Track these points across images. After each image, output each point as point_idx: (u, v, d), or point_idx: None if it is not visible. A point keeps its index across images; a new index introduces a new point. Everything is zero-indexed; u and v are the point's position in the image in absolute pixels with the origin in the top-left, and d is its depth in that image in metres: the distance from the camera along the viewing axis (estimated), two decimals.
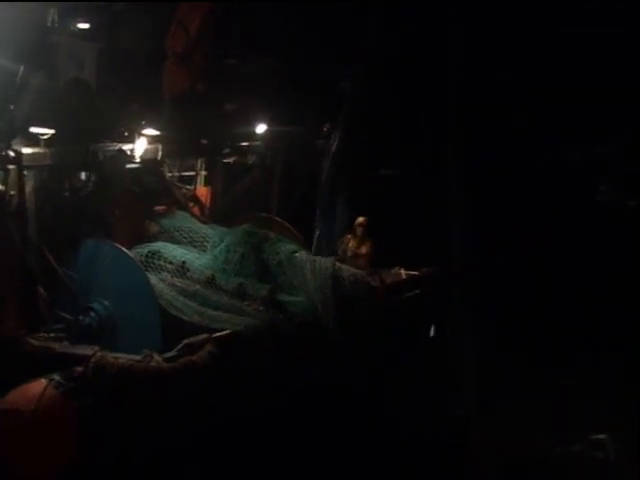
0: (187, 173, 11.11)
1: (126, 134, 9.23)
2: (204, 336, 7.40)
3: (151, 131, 9.48)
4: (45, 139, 8.11)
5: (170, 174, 10.57)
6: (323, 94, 11.86)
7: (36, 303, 7.98)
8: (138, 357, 7.05)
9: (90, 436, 6.69)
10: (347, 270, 9.11)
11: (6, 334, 7.48)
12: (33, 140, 8.08)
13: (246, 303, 8.29)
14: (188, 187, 10.99)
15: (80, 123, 8.55)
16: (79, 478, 6.69)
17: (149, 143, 9.49)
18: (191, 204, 10.74)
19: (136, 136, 9.27)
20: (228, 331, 7.73)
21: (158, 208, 10.09)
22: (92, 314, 8.31)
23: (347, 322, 8.67)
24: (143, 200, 9.88)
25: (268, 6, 10.84)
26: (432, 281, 10.80)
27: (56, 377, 6.85)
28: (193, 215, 10.37)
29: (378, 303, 9.28)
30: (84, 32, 10.19)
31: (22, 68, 8.20)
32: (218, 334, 7.52)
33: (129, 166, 9.33)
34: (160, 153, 9.75)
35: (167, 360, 7.07)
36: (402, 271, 11.06)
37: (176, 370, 6.95)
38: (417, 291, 10.40)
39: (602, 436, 9.99)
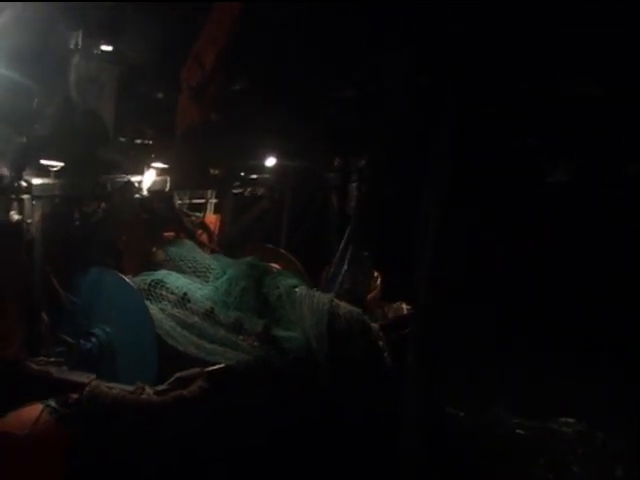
0: (197, 200, 11.34)
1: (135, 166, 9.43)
2: (196, 370, 7.58)
3: (160, 164, 9.69)
4: (55, 171, 8.33)
5: (180, 201, 10.81)
6: (334, 127, 11.97)
7: (39, 327, 8.22)
8: (130, 388, 7.25)
9: (79, 464, 6.92)
10: (344, 307, 9.24)
11: (8, 356, 7.72)
12: (43, 171, 8.30)
13: (241, 337, 8.45)
14: (197, 214, 11.22)
15: (92, 158, 8.79)
16: None
17: (157, 175, 9.71)
18: (199, 231, 10.98)
19: (145, 168, 9.49)
20: (221, 365, 7.88)
21: (166, 234, 10.34)
22: (93, 339, 8.56)
23: (340, 359, 8.80)
24: (152, 226, 10.11)
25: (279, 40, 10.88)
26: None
27: (52, 403, 7.07)
28: (201, 243, 10.60)
29: (373, 340, 9.36)
30: (105, 54, 10.29)
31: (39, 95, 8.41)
32: (209, 368, 7.68)
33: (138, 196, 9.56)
34: (168, 185, 9.94)
35: (158, 393, 7.24)
36: (404, 305, 11.07)
37: (166, 404, 7.12)
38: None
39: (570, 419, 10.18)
